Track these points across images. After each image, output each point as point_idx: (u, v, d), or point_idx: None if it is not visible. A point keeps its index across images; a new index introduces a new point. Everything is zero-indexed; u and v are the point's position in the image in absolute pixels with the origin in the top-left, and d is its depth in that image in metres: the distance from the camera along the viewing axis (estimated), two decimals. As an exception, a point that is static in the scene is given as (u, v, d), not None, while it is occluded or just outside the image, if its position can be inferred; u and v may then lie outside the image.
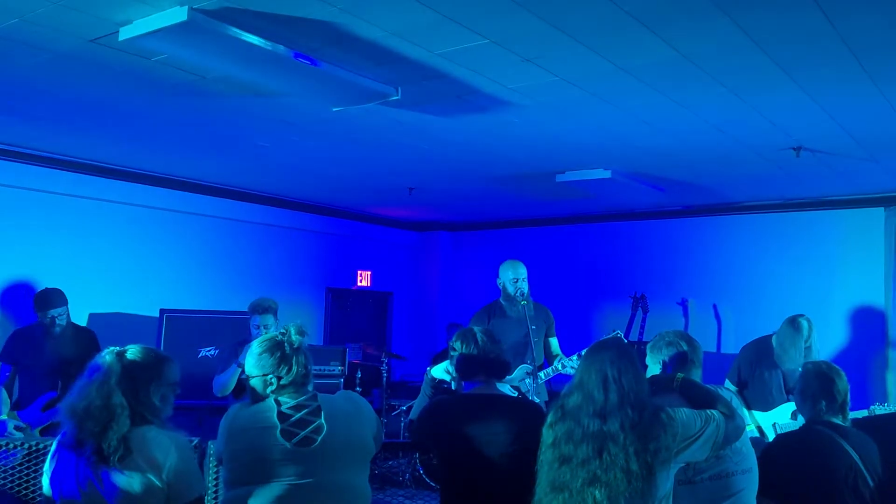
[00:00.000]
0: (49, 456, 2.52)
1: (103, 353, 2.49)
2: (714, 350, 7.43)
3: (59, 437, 2.50)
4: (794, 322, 4.79)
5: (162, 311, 6.53)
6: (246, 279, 7.66)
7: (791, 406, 4.65)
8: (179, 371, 2.64)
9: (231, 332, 5.85)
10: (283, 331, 2.73)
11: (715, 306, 7.72)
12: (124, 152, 6.06)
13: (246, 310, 4.99)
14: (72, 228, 6.40)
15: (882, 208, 6.94)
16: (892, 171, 5.99)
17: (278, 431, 2.51)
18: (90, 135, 5.48)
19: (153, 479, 2.35)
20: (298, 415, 2.56)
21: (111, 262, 6.65)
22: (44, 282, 5.98)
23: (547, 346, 5.19)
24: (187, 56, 3.55)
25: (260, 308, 4.85)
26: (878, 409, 4.88)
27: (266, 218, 7.96)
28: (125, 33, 3.30)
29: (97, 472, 2.35)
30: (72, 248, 6.37)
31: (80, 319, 6.14)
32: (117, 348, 2.52)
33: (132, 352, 2.51)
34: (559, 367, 4.91)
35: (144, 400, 2.45)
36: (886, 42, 3.37)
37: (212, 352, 6.13)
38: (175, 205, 7.12)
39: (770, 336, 4.97)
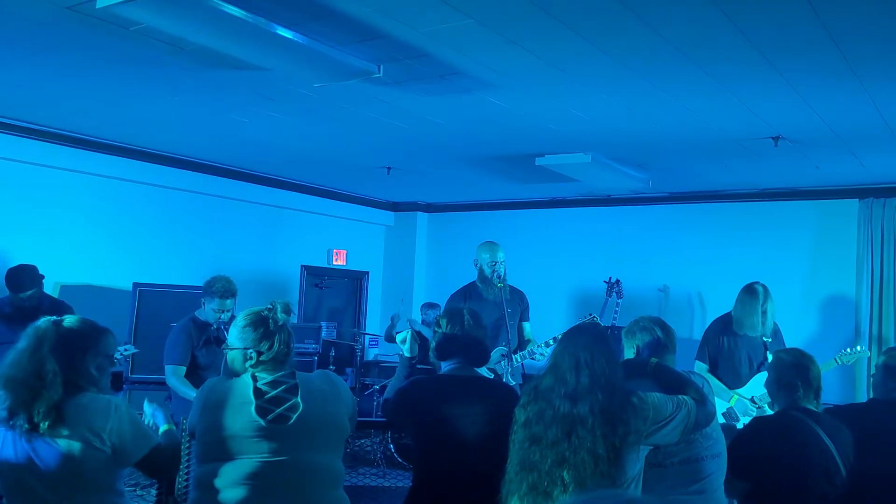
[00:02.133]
0: None
1: (38, 322, 2.49)
2: (691, 336, 7.48)
3: None
4: (749, 288, 5.07)
5: (135, 285, 6.46)
6: (220, 254, 7.60)
7: (764, 375, 4.79)
8: (116, 344, 2.66)
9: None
10: (269, 307, 2.69)
11: (692, 293, 7.79)
12: (99, 123, 5.95)
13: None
14: (44, 199, 6.30)
15: (856, 199, 7.02)
16: (868, 163, 6.06)
17: (253, 407, 2.49)
18: (64, 104, 5.37)
19: (95, 443, 2.37)
20: (274, 392, 2.54)
21: (84, 234, 6.56)
22: (14, 252, 5.90)
23: (520, 330, 5.22)
24: (165, 26, 3.47)
25: (228, 293, 4.70)
26: (845, 357, 5.34)
27: (242, 194, 7.87)
28: (102, 1, 3.23)
29: (32, 444, 2.35)
30: (43, 219, 6.27)
31: (51, 291, 6.06)
32: (54, 318, 2.52)
33: (69, 321, 2.52)
34: (533, 350, 4.95)
35: (80, 368, 2.45)
36: (870, 35, 3.39)
37: (185, 327, 6.07)
38: (149, 178, 7.01)
39: (730, 311, 5.18)
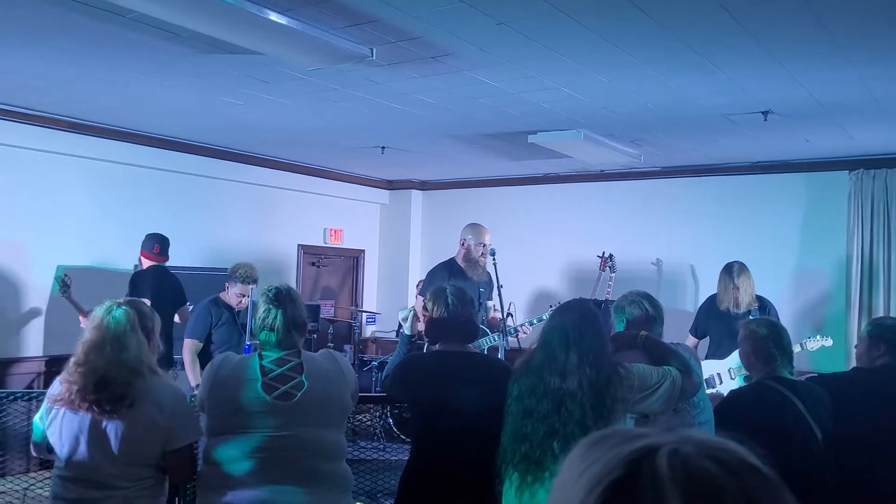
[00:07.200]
0: (43, 407, 2.63)
1: (110, 310, 2.59)
2: (685, 308, 7.57)
3: (50, 391, 2.61)
4: (725, 267, 5.58)
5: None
6: (218, 235, 7.67)
7: None
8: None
9: (204, 288, 5.89)
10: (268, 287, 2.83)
11: (685, 266, 7.87)
12: (97, 108, 5.99)
13: (219, 266, 5.15)
14: (44, 184, 6.35)
15: (847, 171, 7.11)
16: (857, 136, 6.14)
17: (259, 384, 2.60)
18: (62, 90, 5.41)
19: (157, 420, 2.53)
20: (280, 370, 2.65)
21: (84, 218, 6.62)
22: (15, 237, 5.98)
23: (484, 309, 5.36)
24: (161, 14, 3.53)
25: (249, 278, 5.15)
26: (810, 343, 5.78)
27: (238, 175, 7.92)
28: (99, -10, 3.29)
29: (100, 420, 2.50)
30: (44, 204, 6.32)
31: (49, 271, 6.16)
32: (114, 303, 2.62)
33: (134, 305, 2.66)
34: (517, 328, 5.17)
35: (153, 348, 2.65)
36: (853, 12, 3.46)
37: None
38: (146, 161, 7.06)
39: None
